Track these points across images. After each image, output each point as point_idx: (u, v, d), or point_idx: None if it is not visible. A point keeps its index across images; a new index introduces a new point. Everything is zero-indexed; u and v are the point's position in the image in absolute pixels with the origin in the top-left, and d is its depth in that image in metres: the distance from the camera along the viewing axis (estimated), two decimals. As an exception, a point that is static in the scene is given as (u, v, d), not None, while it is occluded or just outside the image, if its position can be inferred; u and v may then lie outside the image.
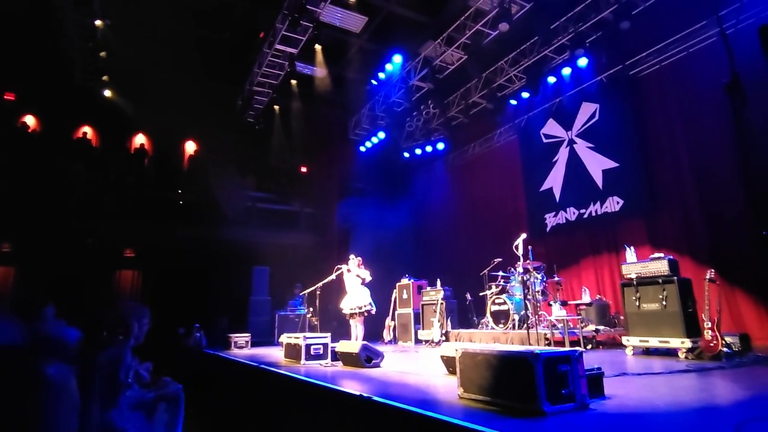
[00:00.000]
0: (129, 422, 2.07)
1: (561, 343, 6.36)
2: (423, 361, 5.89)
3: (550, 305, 7.39)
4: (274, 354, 7.10)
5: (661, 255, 5.72)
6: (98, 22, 10.07)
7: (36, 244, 10.52)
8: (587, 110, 9.36)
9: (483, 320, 8.24)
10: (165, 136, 13.94)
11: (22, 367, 0.86)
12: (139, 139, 14.41)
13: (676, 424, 2.53)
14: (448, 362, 4.32)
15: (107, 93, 12.28)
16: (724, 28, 5.94)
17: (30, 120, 12.89)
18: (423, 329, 8.76)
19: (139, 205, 11.88)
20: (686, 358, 5.09)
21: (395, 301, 9.48)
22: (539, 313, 7.08)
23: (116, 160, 13.13)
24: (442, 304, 8.26)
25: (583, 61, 8.78)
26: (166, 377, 2.61)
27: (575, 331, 6.72)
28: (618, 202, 8.59)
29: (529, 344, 5.69)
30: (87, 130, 13.60)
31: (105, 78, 11.70)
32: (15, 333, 1.04)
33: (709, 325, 5.02)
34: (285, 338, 6.39)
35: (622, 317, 6.66)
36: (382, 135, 12.54)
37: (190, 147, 15.11)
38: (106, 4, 9.86)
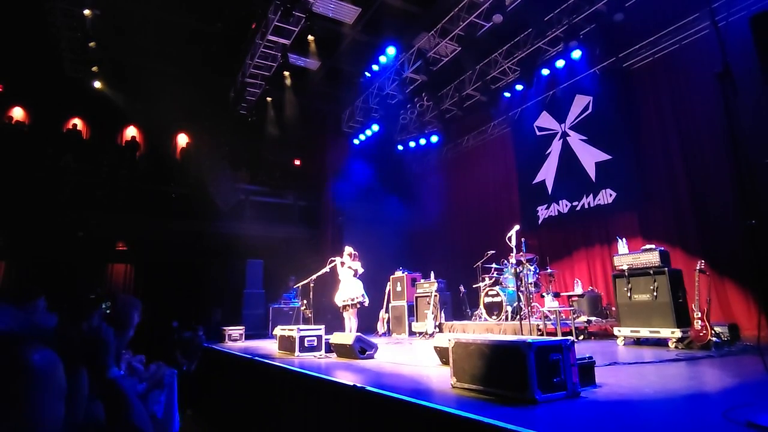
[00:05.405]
0: None
1: (553, 334, 6.42)
2: (416, 353, 5.92)
3: (543, 297, 7.44)
4: (268, 346, 7.10)
5: (653, 246, 5.78)
6: (87, 12, 9.89)
7: (27, 238, 10.41)
8: (580, 103, 9.38)
9: (476, 312, 8.29)
10: (156, 129, 13.80)
11: (5, 353, 0.85)
12: (130, 132, 14.26)
13: (665, 411, 2.57)
14: (442, 353, 4.34)
15: (97, 84, 12.10)
16: (716, 20, 5.96)
17: (18, 111, 12.70)
18: (417, 321, 8.80)
19: (130, 198, 11.78)
20: (676, 347, 5.16)
21: (389, 294, 9.51)
22: (532, 304, 7.14)
23: (107, 153, 12.99)
24: (435, 296, 8.30)
25: (576, 54, 8.77)
26: (156, 363, 2.59)
27: (567, 322, 6.79)
28: (611, 195, 8.64)
29: (522, 335, 5.73)
30: (77, 122, 13.44)
31: (95, 69, 11.52)
32: (9, 320, 1.03)
33: (699, 315, 5.08)
34: (279, 330, 6.39)
35: (613, 308, 6.73)
36: (375, 128, 12.48)
37: (182, 139, 14.98)
38: (94, -6, 9.71)
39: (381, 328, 9.30)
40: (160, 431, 2.33)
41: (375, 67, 10.67)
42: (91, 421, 1.26)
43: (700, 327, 5.05)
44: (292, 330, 5.90)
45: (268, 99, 12.24)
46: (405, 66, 10.73)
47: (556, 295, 7.44)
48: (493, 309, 7.71)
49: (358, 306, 7.11)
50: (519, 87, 10.07)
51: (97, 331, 1.21)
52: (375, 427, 3.06)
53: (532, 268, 7.57)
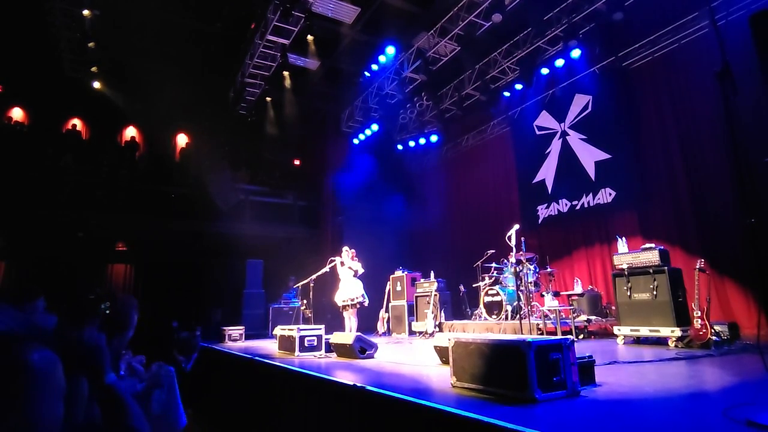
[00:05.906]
0: None
1: (553, 333, 6.41)
2: (416, 352, 5.92)
3: (543, 296, 7.45)
4: (269, 346, 7.10)
5: (652, 245, 5.78)
6: (86, 12, 9.88)
7: (27, 238, 10.41)
8: (580, 102, 9.38)
9: (476, 311, 8.29)
10: (156, 129, 13.80)
11: (5, 353, 0.85)
12: (130, 132, 14.26)
13: (665, 410, 2.57)
14: (442, 352, 4.34)
15: (96, 85, 12.09)
16: (716, 19, 5.96)
17: (17, 112, 12.69)
18: (417, 321, 8.80)
19: (130, 198, 11.78)
20: (676, 346, 5.16)
21: (389, 293, 9.51)
22: (532, 303, 7.14)
23: (107, 153, 12.99)
24: (435, 295, 8.30)
25: (576, 53, 8.77)
26: (157, 362, 2.60)
27: (567, 321, 6.80)
28: (610, 194, 8.64)
29: (522, 334, 5.73)
30: (76, 122, 13.43)
31: (94, 69, 11.52)
32: (8, 320, 1.03)
33: (699, 314, 5.09)
34: (279, 330, 6.40)
35: (613, 307, 6.73)
36: (375, 127, 12.48)
37: (182, 140, 14.98)
38: (93, -6, 9.70)
39: (381, 327, 9.30)
40: (165, 429, 2.33)
41: (374, 67, 10.66)
42: (90, 421, 1.26)
43: (699, 326, 5.05)
44: (292, 330, 5.90)
45: (268, 99, 12.23)
46: (404, 65, 10.73)
47: (556, 294, 7.44)
48: (493, 308, 7.71)
49: (358, 306, 7.11)
50: (518, 86, 10.07)
51: (90, 339, 1.21)
52: (375, 427, 3.06)
53: (531, 267, 7.58)
